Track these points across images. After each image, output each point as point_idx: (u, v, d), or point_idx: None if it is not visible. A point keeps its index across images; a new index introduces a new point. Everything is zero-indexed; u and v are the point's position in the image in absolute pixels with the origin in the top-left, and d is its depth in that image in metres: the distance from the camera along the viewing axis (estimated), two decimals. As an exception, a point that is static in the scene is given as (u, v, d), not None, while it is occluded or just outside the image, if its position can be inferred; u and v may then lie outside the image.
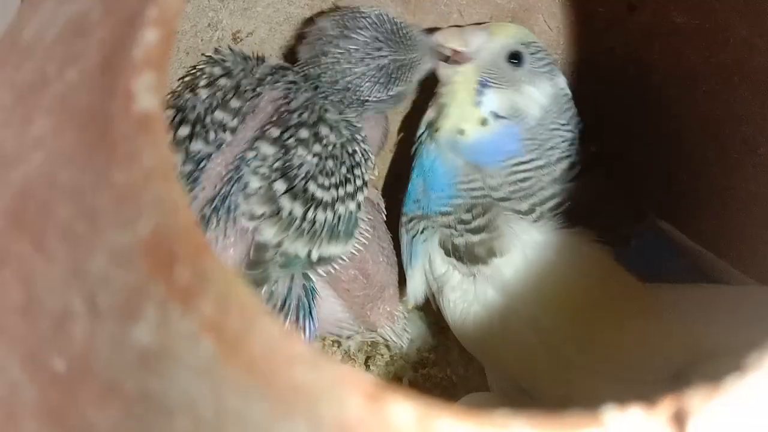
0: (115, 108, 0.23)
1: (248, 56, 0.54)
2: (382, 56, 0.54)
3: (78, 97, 0.24)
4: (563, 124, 0.55)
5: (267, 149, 0.49)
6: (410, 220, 0.55)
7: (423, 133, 0.56)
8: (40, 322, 0.23)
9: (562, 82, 0.56)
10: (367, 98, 0.54)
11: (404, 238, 0.56)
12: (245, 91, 0.51)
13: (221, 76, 0.51)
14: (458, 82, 0.54)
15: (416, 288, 0.56)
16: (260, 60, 0.55)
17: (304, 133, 0.50)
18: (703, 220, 0.59)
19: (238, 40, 0.60)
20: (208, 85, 0.50)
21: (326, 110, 0.52)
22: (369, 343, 0.61)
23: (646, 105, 0.63)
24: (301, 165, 0.49)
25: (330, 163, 0.50)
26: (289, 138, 0.49)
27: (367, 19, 0.54)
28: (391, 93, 0.55)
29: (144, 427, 0.21)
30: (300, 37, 0.58)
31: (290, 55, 0.60)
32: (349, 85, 0.54)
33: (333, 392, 0.20)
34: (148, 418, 0.21)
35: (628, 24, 0.61)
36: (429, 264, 0.54)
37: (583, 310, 0.49)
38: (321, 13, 0.60)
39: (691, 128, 0.61)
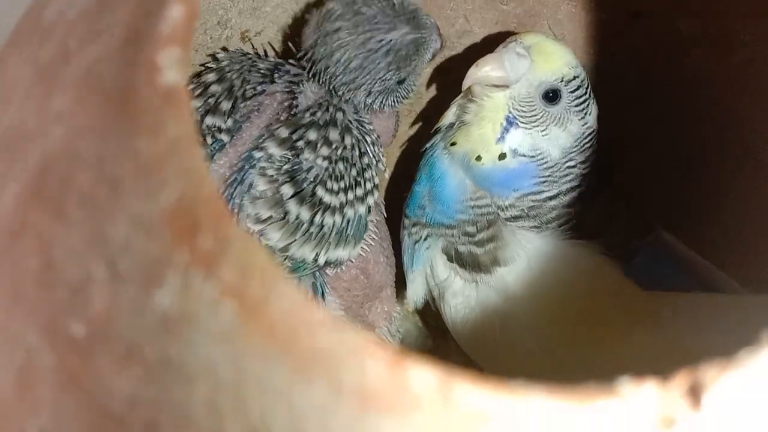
0: (140, 80, 0.23)
1: (247, 53, 0.54)
2: (391, 31, 0.51)
3: (101, 70, 0.25)
4: (581, 162, 0.52)
5: (275, 150, 0.48)
6: (413, 225, 0.54)
7: (437, 138, 0.54)
8: (57, 288, 0.24)
9: (592, 118, 0.53)
10: (377, 81, 0.52)
11: (406, 241, 0.55)
12: (245, 90, 0.51)
13: (213, 82, 0.51)
14: (486, 108, 0.51)
15: (417, 292, 0.55)
16: (261, 57, 0.54)
17: (313, 135, 0.49)
18: (704, 227, 0.59)
19: (247, 39, 0.60)
20: (201, 94, 0.50)
21: (339, 110, 0.51)
22: None
23: (649, 111, 0.63)
24: (310, 169, 0.48)
25: (340, 166, 0.49)
26: (298, 140, 0.49)
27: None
28: (402, 75, 0.53)
29: (163, 391, 0.21)
30: (306, 21, 0.57)
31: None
32: (359, 68, 0.51)
33: (354, 358, 0.20)
34: (167, 382, 0.21)
35: (632, 31, 0.61)
36: (431, 269, 0.54)
37: (585, 319, 0.49)
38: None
39: (693, 135, 0.62)
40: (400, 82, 0.53)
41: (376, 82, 0.52)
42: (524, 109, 0.50)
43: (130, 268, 0.22)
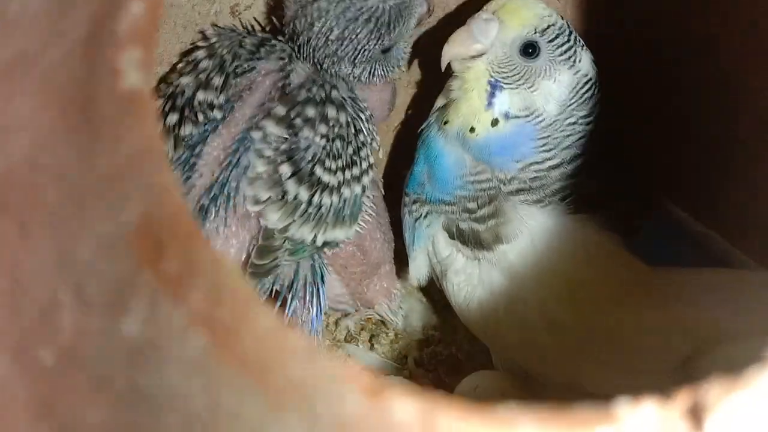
0: (100, 86, 0.22)
1: (235, 29, 0.53)
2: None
3: (61, 75, 0.23)
4: (584, 116, 0.51)
5: (273, 129, 0.48)
6: (413, 202, 0.54)
7: (431, 119, 0.53)
8: (26, 312, 0.22)
9: (584, 65, 0.51)
10: (360, 51, 0.51)
11: (407, 219, 0.55)
12: (236, 66, 0.50)
13: (203, 58, 0.50)
14: (468, 80, 0.51)
15: (419, 269, 0.55)
16: (249, 33, 0.53)
17: (311, 112, 0.48)
18: (714, 202, 0.58)
19: (236, 13, 0.59)
20: (192, 71, 0.49)
21: (334, 87, 0.50)
22: (373, 322, 0.61)
23: (659, 80, 0.62)
24: (308, 147, 0.48)
25: (338, 144, 0.49)
26: (295, 117, 0.48)
27: None
28: (386, 43, 0.51)
29: (134, 422, 0.20)
30: None
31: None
32: (339, 38, 0.50)
33: (330, 388, 0.19)
34: (138, 413, 0.20)
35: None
36: (432, 246, 0.53)
37: (590, 296, 0.48)
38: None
39: (703, 105, 0.60)
40: (385, 51, 0.52)
41: (359, 53, 0.51)
42: (505, 70, 0.50)
43: (97, 292, 0.21)
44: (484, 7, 0.50)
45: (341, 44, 0.50)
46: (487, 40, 0.50)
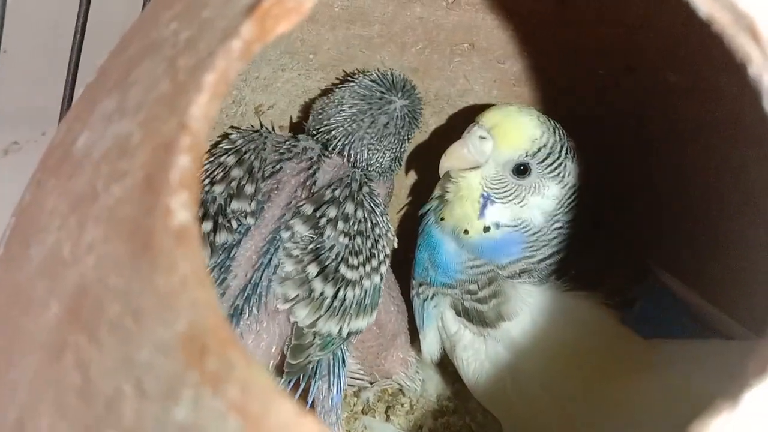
0: (156, 222, 0.27)
1: (257, 130, 0.57)
2: (391, 102, 0.55)
3: (123, 210, 0.29)
4: (568, 222, 0.54)
5: (300, 228, 0.51)
6: (420, 285, 0.57)
7: (431, 206, 0.57)
8: (95, 402, 0.28)
9: (571, 178, 0.54)
10: (386, 153, 0.56)
11: (416, 302, 0.58)
12: (263, 169, 0.53)
13: (233, 166, 0.53)
14: (462, 188, 0.53)
15: (431, 347, 0.58)
16: (271, 132, 0.58)
17: (332, 212, 0.52)
18: (704, 267, 0.61)
19: (260, 113, 0.65)
20: (223, 179, 0.53)
21: (360, 185, 0.54)
22: (390, 393, 0.63)
23: (648, 157, 0.65)
24: (332, 247, 0.50)
25: (358, 240, 0.51)
26: (321, 217, 0.51)
27: (370, 75, 0.57)
28: (408, 138, 0.56)
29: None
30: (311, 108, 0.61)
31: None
32: (372, 140, 0.55)
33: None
34: (186, 485, 0.25)
35: (627, 83, 0.64)
36: (442, 322, 0.56)
37: (590, 372, 0.51)
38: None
39: (692, 179, 0.64)
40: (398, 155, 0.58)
41: (385, 152, 0.56)
42: (497, 186, 0.53)
43: (153, 386, 0.26)
44: (480, 120, 0.54)
45: (371, 146, 0.55)
46: (482, 157, 0.52)
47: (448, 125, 0.68)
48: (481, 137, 0.52)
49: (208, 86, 0.28)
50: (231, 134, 0.57)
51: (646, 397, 0.50)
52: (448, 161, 0.53)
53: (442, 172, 0.54)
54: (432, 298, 0.56)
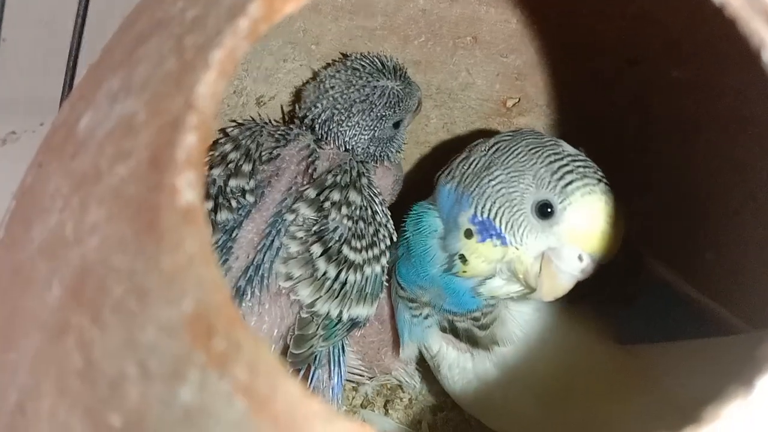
0: (162, 201, 0.27)
1: (255, 120, 0.58)
2: (383, 81, 0.55)
3: (128, 190, 0.29)
4: None
5: (305, 211, 0.52)
6: (411, 300, 0.55)
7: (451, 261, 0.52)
8: (98, 384, 0.27)
9: None
10: (379, 122, 0.56)
11: (401, 309, 0.56)
12: (261, 153, 0.54)
13: (230, 151, 0.54)
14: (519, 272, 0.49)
15: (410, 355, 0.57)
16: (268, 122, 0.58)
17: (336, 196, 0.52)
18: (703, 265, 0.61)
19: (261, 104, 0.64)
20: (221, 163, 0.53)
21: (355, 170, 0.55)
22: (388, 387, 0.63)
23: (650, 153, 0.65)
24: (336, 228, 0.51)
25: (361, 225, 0.52)
26: (324, 200, 0.52)
27: (365, 59, 0.58)
28: (398, 116, 0.57)
29: (189, 475, 0.25)
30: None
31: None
32: (362, 109, 0.55)
33: (346, 444, 0.24)
34: (191, 467, 0.25)
35: (629, 78, 0.63)
36: (425, 344, 0.55)
37: (582, 388, 0.50)
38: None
39: (693, 175, 0.64)
40: (396, 125, 0.58)
41: (375, 126, 0.56)
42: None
43: (158, 367, 0.26)
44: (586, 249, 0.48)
45: (360, 120, 0.56)
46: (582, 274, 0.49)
47: (449, 118, 0.68)
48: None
49: (216, 64, 0.28)
50: (229, 129, 0.57)
51: (639, 410, 0.49)
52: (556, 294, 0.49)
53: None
54: (425, 318, 0.54)
